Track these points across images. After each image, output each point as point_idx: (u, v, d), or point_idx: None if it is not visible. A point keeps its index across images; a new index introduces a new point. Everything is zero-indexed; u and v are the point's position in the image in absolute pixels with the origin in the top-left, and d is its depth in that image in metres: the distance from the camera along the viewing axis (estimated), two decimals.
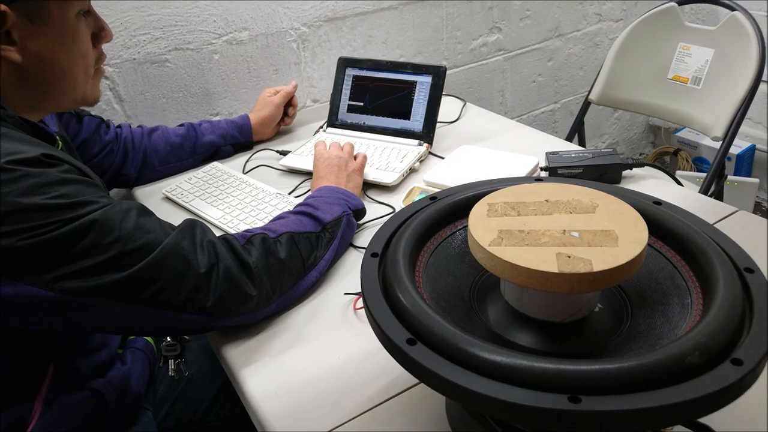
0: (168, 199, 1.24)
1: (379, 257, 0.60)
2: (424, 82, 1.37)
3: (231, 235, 0.85)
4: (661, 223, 0.59)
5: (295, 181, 1.28)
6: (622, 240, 0.51)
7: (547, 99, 2.26)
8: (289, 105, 1.47)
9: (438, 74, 1.35)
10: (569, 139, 2.01)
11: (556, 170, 1.16)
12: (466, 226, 0.67)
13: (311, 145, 1.38)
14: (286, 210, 1.11)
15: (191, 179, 1.27)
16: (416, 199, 1.11)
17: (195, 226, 0.81)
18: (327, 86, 1.70)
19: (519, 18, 2.00)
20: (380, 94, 1.41)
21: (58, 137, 0.86)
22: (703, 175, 2.27)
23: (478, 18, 1.90)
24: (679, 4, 1.86)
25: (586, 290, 0.48)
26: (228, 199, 1.18)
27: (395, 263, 0.56)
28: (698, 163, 2.44)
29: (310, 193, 1.13)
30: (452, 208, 0.66)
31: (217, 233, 1.07)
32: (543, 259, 0.49)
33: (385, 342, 0.51)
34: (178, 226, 0.81)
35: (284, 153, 1.37)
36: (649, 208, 0.61)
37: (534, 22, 2.05)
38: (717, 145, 2.41)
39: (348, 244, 1.03)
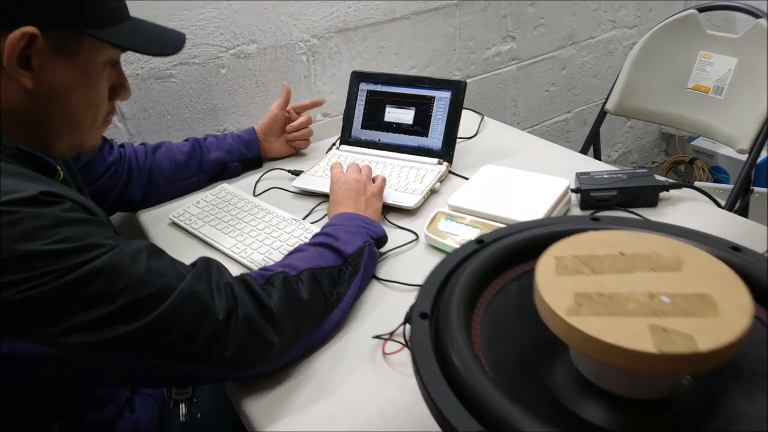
0: (175, 224, 1.16)
1: (429, 318, 0.52)
2: (442, 97, 1.30)
3: (249, 274, 0.78)
4: (748, 275, 0.52)
5: (309, 203, 1.21)
6: (722, 307, 0.44)
7: (561, 108, 2.19)
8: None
9: (458, 89, 1.28)
10: (584, 150, 1.94)
11: (588, 193, 1.09)
12: (521, 275, 0.60)
13: (325, 164, 1.31)
14: (301, 237, 1.04)
15: (199, 203, 1.19)
16: (439, 223, 1.04)
17: (210, 266, 0.74)
18: (338, 99, 1.63)
19: (533, 26, 1.94)
20: (396, 110, 1.34)
21: (58, 167, 0.79)
22: (723, 186, 2.21)
23: (491, 27, 1.84)
24: (700, 11, 1.79)
25: (687, 371, 0.41)
26: (239, 225, 1.11)
27: (450, 330, 0.49)
28: (715, 173, 2.37)
29: (327, 219, 1.06)
30: (503, 255, 0.59)
31: (231, 265, 1.01)
32: (635, 334, 0.42)
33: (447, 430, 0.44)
34: (192, 266, 0.74)
35: (296, 173, 1.30)
36: (729, 258, 0.54)
37: (548, 30, 1.98)
38: (733, 153, 2.36)
39: (371, 276, 0.96)
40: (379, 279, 0.96)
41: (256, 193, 1.26)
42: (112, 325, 0.62)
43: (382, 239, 1.01)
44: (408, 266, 1.00)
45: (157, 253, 0.70)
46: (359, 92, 1.38)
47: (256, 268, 0.99)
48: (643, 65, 1.84)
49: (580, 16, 2.04)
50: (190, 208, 1.18)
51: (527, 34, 1.94)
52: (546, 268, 0.49)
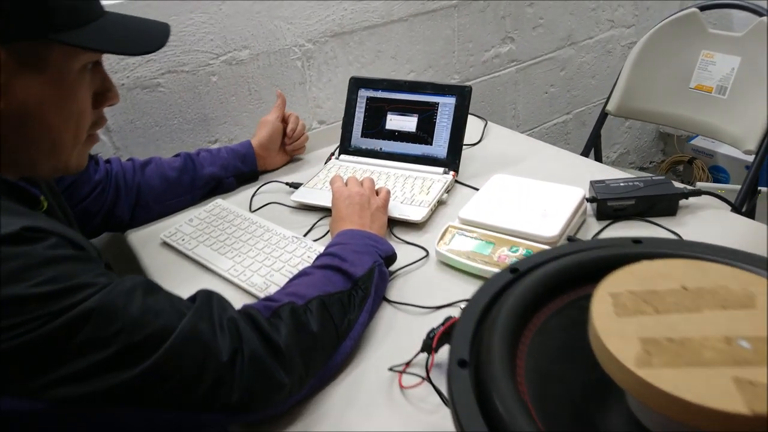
0: (167, 245, 1.09)
1: (469, 366, 0.46)
2: (447, 103, 1.24)
3: (253, 306, 0.72)
4: None
5: (309, 218, 1.15)
6: None
7: (560, 110, 2.14)
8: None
9: (462, 95, 1.22)
10: (585, 152, 1.89)
11: (605, 203, 1.03)
12: (562, 309, 0.54)
13: (324, 176, 1.25)
14: (304, 257, 0.98)
15: (192, 221, 1.13)
16: (450, 239, 0.98)
17: (212, 301, 0.67)
18: (334, 106, 1.56)
19: (532, 27, 1.88)
20: (398, 117, 1.28)
21: (42, 197, 0.72)
22: (726, 186, 2.16)
23: (490, 28, 1.78)
24: (701, 9, 1.75)
25: None
26: (237, 244, 1.04)
27: (495, 380, 0.43)
28: (714, 172, 2.33)
29: (330, 236, 1.00)
30: (542, 287, 0.53)
31: (229, 289, 0.95)
32: (719, 390, 0.36)
33: None
34: (192, 300, 0.67)
35: (294, 186, 1.23)
36: None
37: (547, 30, 1.93)
38: (733, 152, 2.32)
39: (381, 298, 0.90)
40: (389, 301, 0.90)
41: (253, 208, 1.19)
42: (105, 373, 0.56)
43: (391, 257, 0.95)
44: (419, 286, 0.94)
45: (153, 289, 0.63)
46: (358, 99, 1.31)
47: (256, 292, 0.92)
48: (644, 65, 1.80)
49: (578, 15, 1.99)
50: (182, 226, 1.11)
51: (526, 35, 1.88)
52: (603, 309, 0.43)
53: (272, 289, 0.91)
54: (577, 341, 0.47)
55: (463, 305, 0.87)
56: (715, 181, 2.31)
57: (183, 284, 0.98)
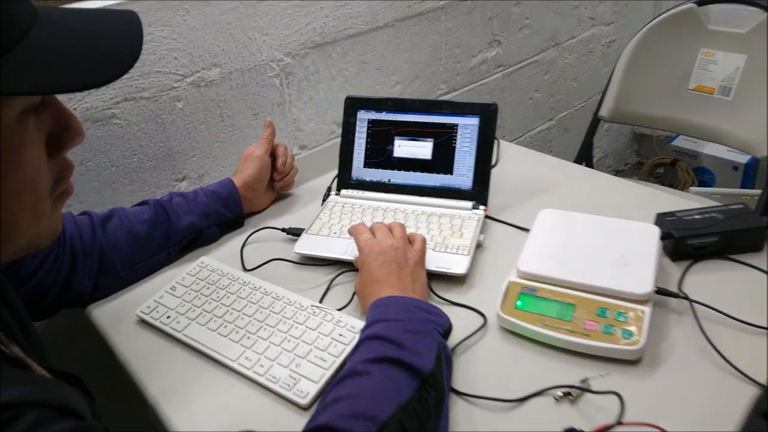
0: (144, 322, 0.86)
1: None
2: (468, 124, 1.04)
3: None
4: None
5: (319, 275, 0.93)
6: None
7: (543, 116, 1.99)
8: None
9: (488, 114, 1.03)
10: (578, 161, 1.75)
11: (683, 241, 0.87)
12: None
13: (327, 218, 1.03)
14: (334, 335, 0.77)
15: (175, 289, 0.89)
16: (515, 300, 0.79)
17: None
18: (316, 128, 1.35)
19: (518, 28, 1.72)
20: (408, 143, 1.08)
21: None
22: (720, 190, 2.07)
23: (477, 31, 1.60)
24: (699, 4, 1.62)
25: None
26: (240, 320, 0.82)
27: None
28: (700, 174, 2.25)
29: (360, 303, 0.79)
30: None
31: (243, 384, 0.72)
32: None
33: None
34: None
35: (294, 233, 1.01)
36: None
37: (532, 31, 1.77)
38: (720, 152, 2.24)
39: (449, 392, 0.70)
40: (459, 393, 0.70)
41: (248, 265, 0.96)
42: None
43: (448, 331, 0.75)
44: (486, 365, 0.74)
45: None
46: (357, 122, 1.10)
47: (282, 391, 0.71)
48: (637, 67, 1.66)
49: (562, 14, 1.84)
50: (163, 297, 0.87)
51: (512, 36, 1.72)
52: None
53: (304, 386, 0.70)
54: None
55: (558, 393, 0.68)
56: (701, 184, 2.23)
57: (178, 382, 0.75)
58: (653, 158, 2.34)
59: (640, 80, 1.67)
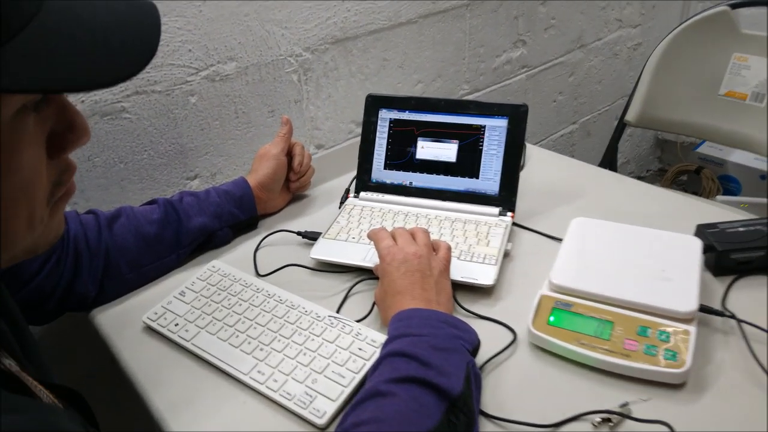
0: (151, 330, 0.81)
1: None
2: (496, 126, 0.99)
3: None
4: None
5: (337, 282, 0.88)
6: None
7: (567, 120, 1.93)
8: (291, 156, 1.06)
9: (517, 115, 0.98)
10: (603, 167, 1.69)
11: (727, 255, 0.81)
12: None
13: (345, 221, 0.98)
14: (353, 349, 0.72)
15: (184, 294, 0.84)
16: (548, 315, 0.73)
17: None
18: (334, 127, 1.30)
19: (544, 28, 1.66)
20: (432, 144, 1.02)
21: None
22: (748, 199, 2.00)
23: (502, 30, 1.55)
24: (733, 7, 1.56)
25: None
26: (253, 330, 0.76)
27: None
28: (725, 182, 2.17)
29: (381, 314, 0.74)
30: None
31: (254, 401, 0.67)
32: None
33: None
34: None
35: (310, 237, 0.96)
36: None
37: (558, 32, 1.71)
38: (746, 160, 2.17)
39: (478, 414, 0.64)
40: (488, 416, 0.65)
41: (261, 270, 0.91)
42: None
43: (476, 348, 0.70)
44: (516, 385, 0.69)
45: None
46: (379, 121, 1.05)
47: (296, 409, 0.65)
48: (666, 70, 1.60)
49: (589, 15, 1.78)
50: (171, 303, 0.82)
51: (538, 37, 1.66)
52: None
53: (320, 404, 0.65)
54: None
55: (596, 419, 0.63)
56: (726, 192, 2.15)
57: (186, 395, 0.70)
58: (677, 165, 2.27)
59: (669, 85, 1.61)
